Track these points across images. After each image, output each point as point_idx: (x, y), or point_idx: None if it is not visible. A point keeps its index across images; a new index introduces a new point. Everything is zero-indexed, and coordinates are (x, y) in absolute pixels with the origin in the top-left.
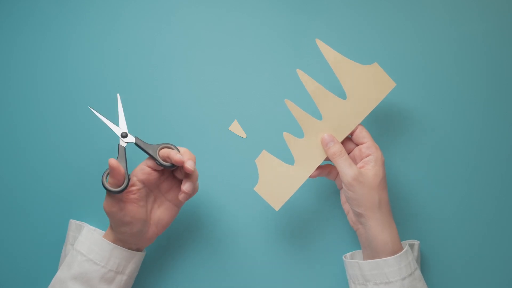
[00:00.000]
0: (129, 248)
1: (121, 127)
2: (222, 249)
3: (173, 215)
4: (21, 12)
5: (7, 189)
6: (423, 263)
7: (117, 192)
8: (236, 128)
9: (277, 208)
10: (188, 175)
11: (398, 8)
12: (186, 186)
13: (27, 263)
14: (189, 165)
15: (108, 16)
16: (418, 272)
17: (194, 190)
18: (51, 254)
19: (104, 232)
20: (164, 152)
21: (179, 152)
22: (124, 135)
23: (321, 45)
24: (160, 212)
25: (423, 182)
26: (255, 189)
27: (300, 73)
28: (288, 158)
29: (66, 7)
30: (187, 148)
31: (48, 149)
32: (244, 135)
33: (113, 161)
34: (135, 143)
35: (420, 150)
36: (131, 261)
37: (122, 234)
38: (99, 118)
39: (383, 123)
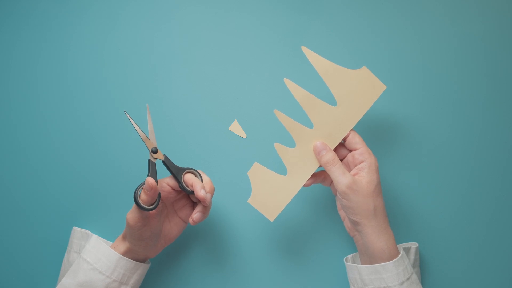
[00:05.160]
0: (136, 259)
1: (151, 140)
2: (223, 251)
3: (180, 230)
4: (21, 12)
5: (8, 194)
6: (422, 265)
7: (149, 210)
8: (236, 128)
9: (272, 219)
10: (202, 206)
11: (398, 8)
12: (196, 216)
13: (29, 268)
14: (207, 199)
15: (108, 16)
16: (414, 276)
17: (204, 217)
18: (53, 260)
19: (107, 240)
20: (189, 179)
21: (202, 179)
22: (154, 151)
23: (307, 52)
24: (170, 227)
25: (422, 184)
26: (248, 201)
27: (287, 82)
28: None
29: (66, 7)
30: (191, 149)
31: (49, 151)
32: (244, 135)
33: (152, 181)
34: (163, 162)
35: (419, 151)
36: (135, 273)
37: (137, 246)
38: (134, 127)
39: (381, 124)
